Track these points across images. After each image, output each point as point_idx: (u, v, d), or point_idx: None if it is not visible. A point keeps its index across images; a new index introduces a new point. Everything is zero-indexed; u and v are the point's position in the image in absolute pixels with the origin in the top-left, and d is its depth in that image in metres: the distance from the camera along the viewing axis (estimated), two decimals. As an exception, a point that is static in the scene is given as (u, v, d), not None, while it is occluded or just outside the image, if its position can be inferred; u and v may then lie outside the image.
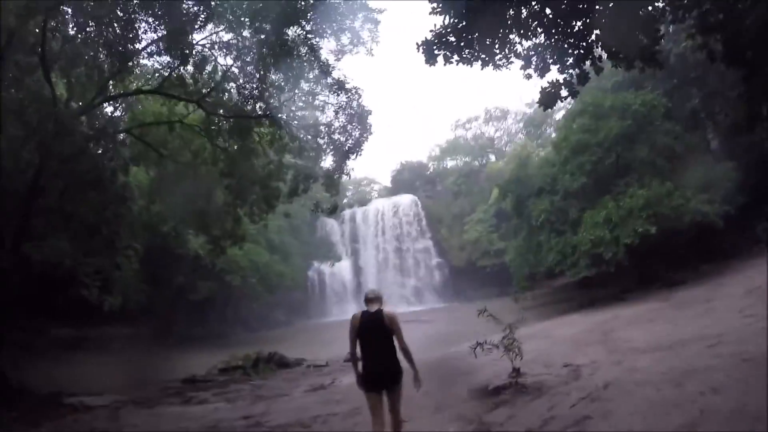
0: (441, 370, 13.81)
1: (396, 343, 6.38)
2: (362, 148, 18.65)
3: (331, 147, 19.23)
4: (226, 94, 19.30)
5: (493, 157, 58.40)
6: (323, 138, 19.40)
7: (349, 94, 18.16)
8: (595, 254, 23.17)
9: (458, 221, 54.40)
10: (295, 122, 19.41)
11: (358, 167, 72.29)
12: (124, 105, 21.88)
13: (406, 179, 61.28)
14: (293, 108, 19.71)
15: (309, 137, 19.59)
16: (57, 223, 20.73)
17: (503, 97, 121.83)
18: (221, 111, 19.15)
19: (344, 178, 20.71)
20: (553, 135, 46.53)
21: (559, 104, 37.89)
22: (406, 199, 57.58)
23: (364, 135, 18.41)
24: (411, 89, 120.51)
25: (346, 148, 18.64)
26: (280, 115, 18.63)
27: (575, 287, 34.52)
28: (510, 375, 9.88)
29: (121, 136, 20.55)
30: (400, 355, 6.40)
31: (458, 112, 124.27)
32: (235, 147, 19.65)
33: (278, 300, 39.96)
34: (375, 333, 6.36)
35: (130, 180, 21.98)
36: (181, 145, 21.38)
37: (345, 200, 60.64)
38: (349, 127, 18.43)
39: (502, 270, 44.00)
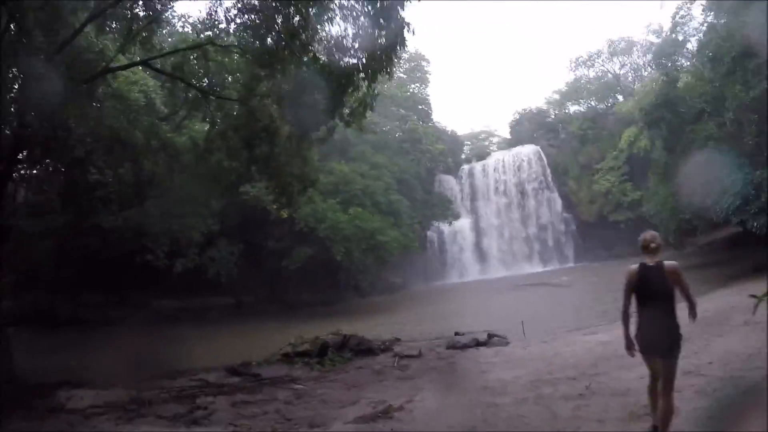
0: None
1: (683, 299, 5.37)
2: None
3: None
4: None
5: (620, 98, 48.80)
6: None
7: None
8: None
9: (586, 171, 46.02)
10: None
11: (474, 120, 64.61)
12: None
13: (526, 129, 52.95)
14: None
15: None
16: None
17: (625, 29, 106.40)
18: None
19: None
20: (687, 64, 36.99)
21: (694, 29, 27.22)
22: (527, 150, 49.45)
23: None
24: (525, 32, 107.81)
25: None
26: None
27: (733, 245, 25.95)
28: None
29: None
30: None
31: (577, 49, 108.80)
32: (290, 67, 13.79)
33: (394, 262, 34.23)
34: (654, 290, 5.30)
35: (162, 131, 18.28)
36: (231, 80, 16.74)
37: (462, 156, 53.72)
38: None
39: (638, 225, 36.59)
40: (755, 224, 17.23)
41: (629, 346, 5.57)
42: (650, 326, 5.38)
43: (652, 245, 5.53)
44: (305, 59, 13.07)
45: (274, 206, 20.72)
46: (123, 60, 16.17)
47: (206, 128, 18.59)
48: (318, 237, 28.84)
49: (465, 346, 13.20)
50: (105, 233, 22.63)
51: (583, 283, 29.12)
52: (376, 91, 14.14)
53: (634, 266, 5.52)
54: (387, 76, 13.58)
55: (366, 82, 13.02)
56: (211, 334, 21.22)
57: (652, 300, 5.34)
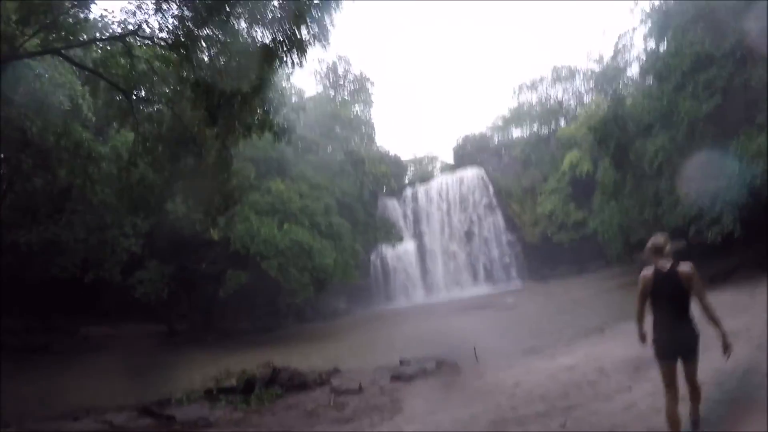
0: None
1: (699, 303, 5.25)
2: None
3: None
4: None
5: (562, 123, 48.77)
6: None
7: None
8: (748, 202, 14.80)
9: (529, 194, 45.45)
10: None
11: (417, 145, 63.66)
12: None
13: (469, 153, 51.82)
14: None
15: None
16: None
17: (567, 58, 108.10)
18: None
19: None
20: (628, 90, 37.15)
21: (635, 57, 27.26)
22: (471, 173, 48.34)
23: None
24: (468, 59, 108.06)
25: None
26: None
27: (679, 258, 25.39)
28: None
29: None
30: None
31: (520, 78, 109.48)
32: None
33: (336, 286, 32.24)
34: (670, 294, 5.23)
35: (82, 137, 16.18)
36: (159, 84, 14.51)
37: (406, 180, 52.32)
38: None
39: (581, 245, 37.69)
40: (710, 234, 16.31)
41: (643, 338, 5.54)
42: (669, 330, 5.26)
43: (666, 249, 5.37)
44: (226, 38, 11.36)
45: (200, 225, 18.81)
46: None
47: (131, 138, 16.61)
48: (255, 260, 26.61)
49: (411, 377, 11.38)
50: (24, 251, 20.52)
51: (531, 304, 27.95)
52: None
53: (648, 271, 5.35)
54: (322, 45, 12.12)
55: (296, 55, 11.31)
56: (138, 364, 18.89)
57: (670, 304, 5.24)
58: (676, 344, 5.26)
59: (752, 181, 15.00)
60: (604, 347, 11.50)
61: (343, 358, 16.77)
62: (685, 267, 5.27)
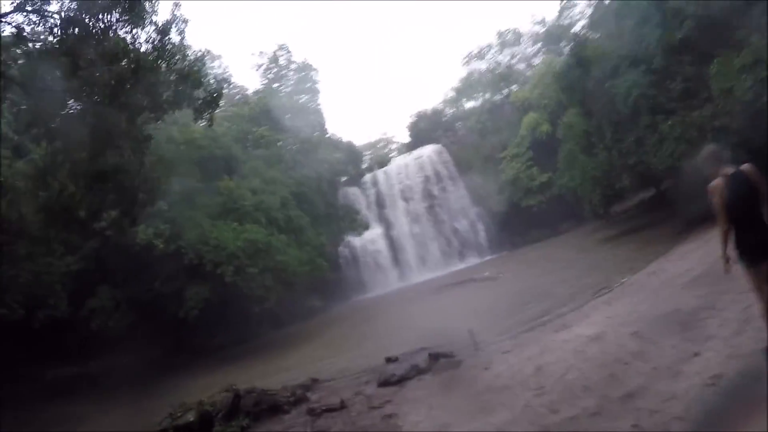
0: None
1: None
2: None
3: None
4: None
5: (514, 87, 47.21)
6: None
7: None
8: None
9: (490, 162, 43.40)
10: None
11: (370, 129, 61.65)
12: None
13: (424, 130, 50.20)
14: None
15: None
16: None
17: (511, 21, 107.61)
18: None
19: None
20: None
21: (578, 14, 25.47)
22: (428, 149, 46.64)
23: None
24: (413, 35, 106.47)
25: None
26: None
27: (651, 209, 24.28)
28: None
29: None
30: None
31: (467, 47, 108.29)
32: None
33: (309, 284, 30.32)
34: (745, 196, 4.93)
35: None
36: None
37: (363, 165, 50.09)
38: None
39: (550, 206, 36.60)
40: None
41: (727, 260, 5.05)
42: (751, 232, 4.91)
43: (719, 155, 5.15)
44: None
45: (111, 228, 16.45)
46: None
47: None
48: (209, 271, 24.03)
49: (403, 379, 9.24)
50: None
51: (510, 273, 26.20)
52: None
53: (718, 180, 5.02)
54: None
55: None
56: (100, 408, 16.76)
57: (746, 205, 4.94)
58: (761, 245, 4.89)
59: (745, 94, 13.24)
60: (621, 307, 9.62)
61: (320, 364, 14.70)
62: (748, 167, 5.03)
